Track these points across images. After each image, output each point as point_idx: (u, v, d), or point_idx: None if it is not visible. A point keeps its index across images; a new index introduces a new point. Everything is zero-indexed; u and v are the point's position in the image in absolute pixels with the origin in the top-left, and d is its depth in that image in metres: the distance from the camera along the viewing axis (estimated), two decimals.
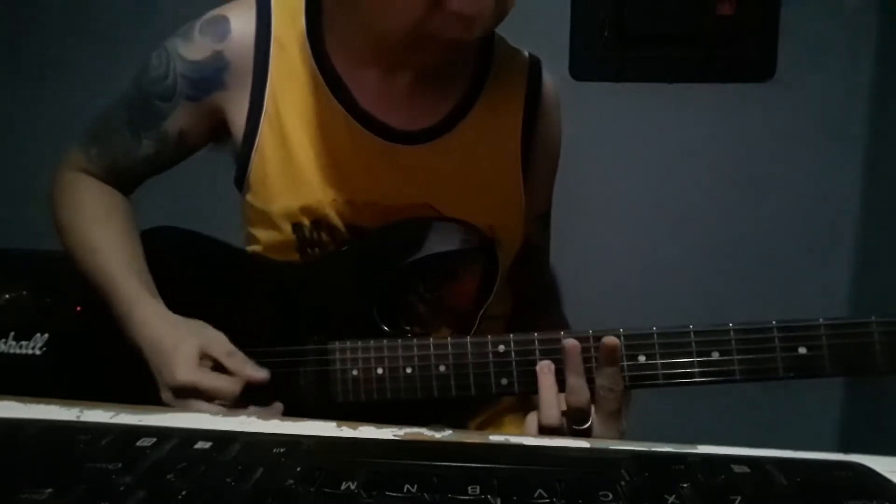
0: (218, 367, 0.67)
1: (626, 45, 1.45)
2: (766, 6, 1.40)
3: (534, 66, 0.82)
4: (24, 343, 1.07)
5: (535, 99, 0.81)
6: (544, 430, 0.62)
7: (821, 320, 0.59)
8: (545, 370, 0.63)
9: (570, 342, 0.62)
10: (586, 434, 0.62)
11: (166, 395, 0.66)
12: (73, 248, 0.77)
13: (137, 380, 0.68)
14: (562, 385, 0.62)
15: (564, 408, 0.62)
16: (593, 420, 0.62)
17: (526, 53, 0.83)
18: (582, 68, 1.45)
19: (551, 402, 0.62)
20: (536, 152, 0.81)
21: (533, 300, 0.91)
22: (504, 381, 0.66)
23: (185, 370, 0.65)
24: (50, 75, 1.60)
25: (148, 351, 0.68)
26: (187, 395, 0.65)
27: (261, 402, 0.68)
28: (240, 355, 0.68)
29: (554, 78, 0.84)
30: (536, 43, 0.84)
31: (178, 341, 0.67)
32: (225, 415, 0.52)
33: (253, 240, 0.79)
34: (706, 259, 1.48)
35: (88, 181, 0.81)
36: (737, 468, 0.38)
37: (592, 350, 0.63)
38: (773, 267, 1.46)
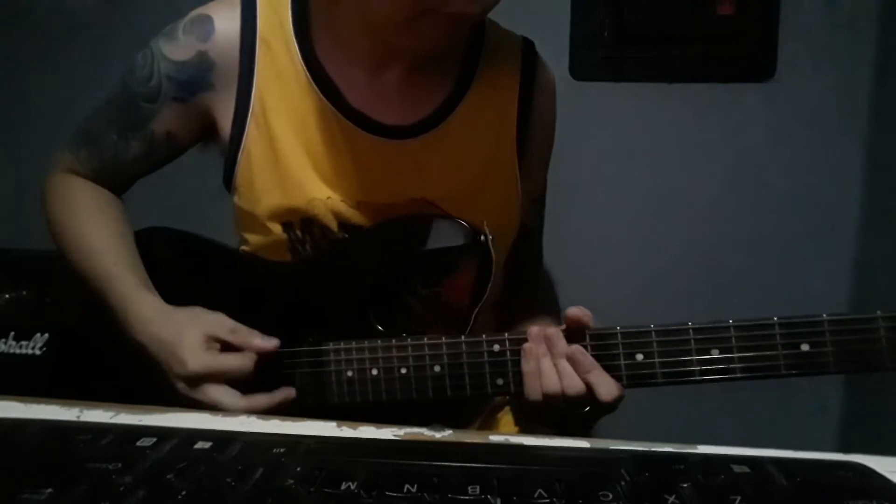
0: (226, 348, 0.68)
1: (626, 45, 1.44)
2: (766, 6, 1.40)
3: (527, 49, 0.81)
4: (24, 343, 1.07)
5: (531, 81, 0.80)
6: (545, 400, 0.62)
7: (824, 316, 0.58)
8: (526, 348, 0.64)
9: (536, 328, 0.64)
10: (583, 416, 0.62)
11: (180, 386, 0.66)
12: (67, 248, 0.77)
13: (137, 380, 0.68)
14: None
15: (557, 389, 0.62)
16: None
17: (518, 35, 0.82)
18: (582, 68, 1.45)
19: (531, 383, 0.63)
20: (532, 136, 0.80)
21: (529, 286, 0.90)
22: (500, 381, 0.65)
23: (195, 357, 0.65)
24: (48, 75, 1.60)
25: (152, 346, 0.68)
26: (201, 381, 0.65)
27: (270, 388, 0.68)
28: (243, 329, 0.69)
29: (552, 71, 0.84)
30: (536, 43, 0.84)
31: (181, 331, 0.67)
32: (225, 415, 0.52)
33: (244, 242, 0.79)
34: (706, 259, 1.48)
35: (79, 181, 0.81)
36: (737, 468, 0.38)
37: (588, 349, 0.63)
38: (773, 267, 1.46)
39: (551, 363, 0.62)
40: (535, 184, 0.85)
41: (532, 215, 0.87)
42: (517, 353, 0.64)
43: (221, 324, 0.69)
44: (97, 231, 0.76)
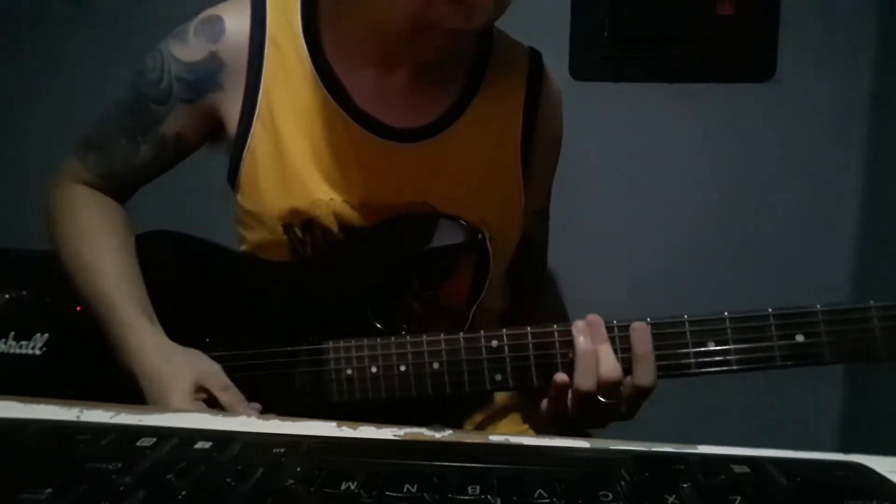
0: (212, 400, 0.67)
1: (626, 45, 1.44)
2: (766, 6, 1.40)
3: (534, 59, 0.82)
4: (24, 343, 1.07)
5: (536, 93, 0.80)
6: (576, 397, 0.62)
7: (818, 307, 0.59)
8: (582, 329, 0.63)
9: (593, 316, 0.63)
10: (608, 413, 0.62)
11: None
12: (70, 264, 0.76)
13: (137, 380, 0.68)
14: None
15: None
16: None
17: (526, 46, 0.83)
18: (582, 68, 1.45)
19: (589, 366, 0.62)
20: (537, 148, 0.81)
21: (532, 296, 0.91)
22: (498, 377, 0.66)
23: (180, 402, 0.64)
24: (50, 75, 1.60)
25: (142, 378, 0.68)
26: None
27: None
28: (234, 391, 0.68)
29: (559, 87, 0.84)
30: (536, 43, 0.84)
31: (175, 372, 0.67)
32: (225, 415, 0.52)
33: (244, 240, 0.79)
34: (706, 259, 1.48)
35: (86, 194, 0.80)
36: (737, 468, 0.38)
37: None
38: (773, 267, 1.46)
39: (610, 349, 0.62)
40: (538, 195, 0.85)
41: (535, 228, 0.87)
42: (515, 349, 0.65)
43: (215, 377, 0.68)
44: (102, 252, 0.75)
